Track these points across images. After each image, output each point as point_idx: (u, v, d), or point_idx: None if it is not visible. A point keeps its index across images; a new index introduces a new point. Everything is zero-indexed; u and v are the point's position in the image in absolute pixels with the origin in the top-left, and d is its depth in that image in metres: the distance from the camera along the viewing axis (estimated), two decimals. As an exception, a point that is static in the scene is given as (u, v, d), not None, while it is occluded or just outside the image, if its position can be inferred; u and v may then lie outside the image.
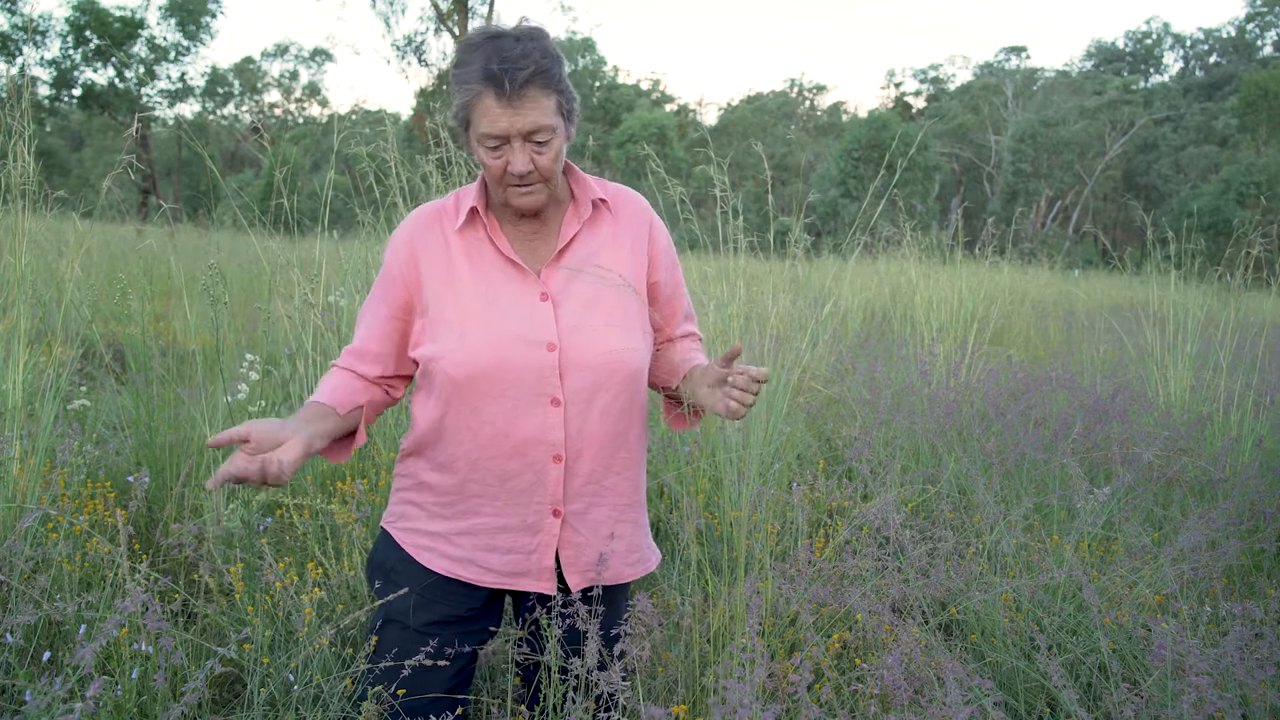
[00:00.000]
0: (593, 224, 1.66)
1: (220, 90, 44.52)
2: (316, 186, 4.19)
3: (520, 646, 1.75)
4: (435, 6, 30.04)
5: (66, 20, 32.67)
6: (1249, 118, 35.48)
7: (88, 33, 32.88)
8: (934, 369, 4.57)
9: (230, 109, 47.59)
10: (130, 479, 2.75)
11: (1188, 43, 52.32)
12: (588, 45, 43.08)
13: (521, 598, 1.72)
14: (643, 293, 1.67)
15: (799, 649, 2.18)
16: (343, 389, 1.64)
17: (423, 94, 29.66)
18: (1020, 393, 4.34)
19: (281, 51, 49.54)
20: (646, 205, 1.73)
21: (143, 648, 1.89)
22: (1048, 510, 3.11)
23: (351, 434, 1.66)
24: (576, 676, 1.65)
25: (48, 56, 33.14)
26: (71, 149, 43.10)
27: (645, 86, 50.15)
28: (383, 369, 1.67)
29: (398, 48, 31.66)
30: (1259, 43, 48.22)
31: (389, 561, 1.71)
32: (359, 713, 1.69)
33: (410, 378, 1.73)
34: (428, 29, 31.46)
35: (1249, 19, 48.07)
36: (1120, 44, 53.67)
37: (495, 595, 1.70)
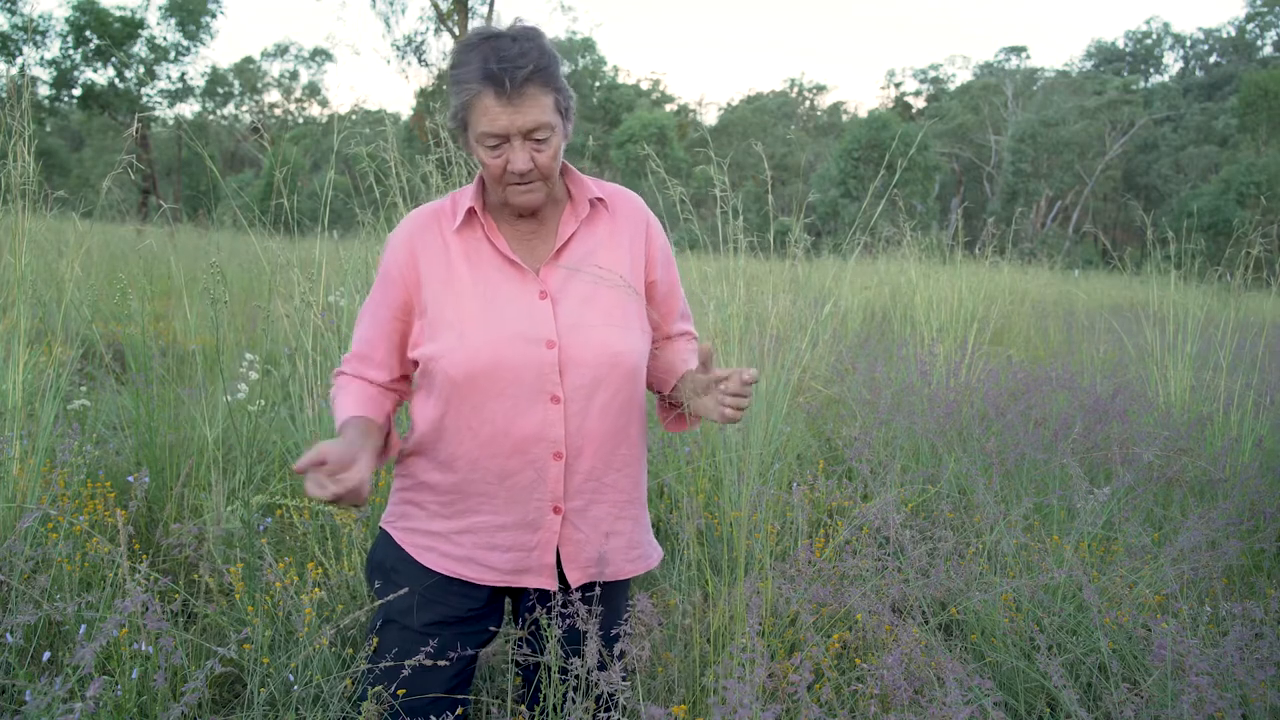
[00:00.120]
0: (590, 223, 1.67)
1: (220, 90, 44.53)
2: (316, 186, 4.19)
3: (520, 646, 1.75)
4: (435, 6, 30.05)
5: (66, 20, 32.68)
6: (1249, 118, 35.48)
7: (88, 33, 32.88)
8: (934, 369, 4.57)
9: (230, 109, 47.62)
10: (130, 479, 2.75)
11: (1188, 43, 52.34)
12: (588, 45, 43.07)
13: (521, 597, 1.72)
14: (641, 291, 1.68)
15: (799, 649, 2.18)
16: (370, 401, 1.65)
17: (423, 94, 29.66)
18: (1020, 393, 4.34)
19: (281, 51, 49.56)
20: (643, 205, 1.74)
21: (143, 648, 1.89)
22: (1048, 510, 3.11)
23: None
24: (576, 676, 1.65)
25: (48, 56, 33.16)
26: (71, 149, 43.10)
27: (645, 86, 50.16)
28: (389, 373, 1.68)
29: (398, 48, 31.67)
30: (1259, 43, 48.22)
31: (389, 561, 1.71)
32: (359, 713, 1.69)
33: (410, 377, 1.74)
34: (428, 29, 31.48)
35: (1249, 19, 48.08)
36: (1120, 44, 53.68)
37: (495, 595, 1.70)
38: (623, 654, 1.68)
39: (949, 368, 4.63)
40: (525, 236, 1.65)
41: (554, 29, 32.87)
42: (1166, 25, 54.78)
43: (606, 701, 1.63)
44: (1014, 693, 2.25)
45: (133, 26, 33.98)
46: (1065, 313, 9.06)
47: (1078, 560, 2.41)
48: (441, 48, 31.40)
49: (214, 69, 42.18)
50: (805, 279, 4.79)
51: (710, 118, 56.23)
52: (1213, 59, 51.08)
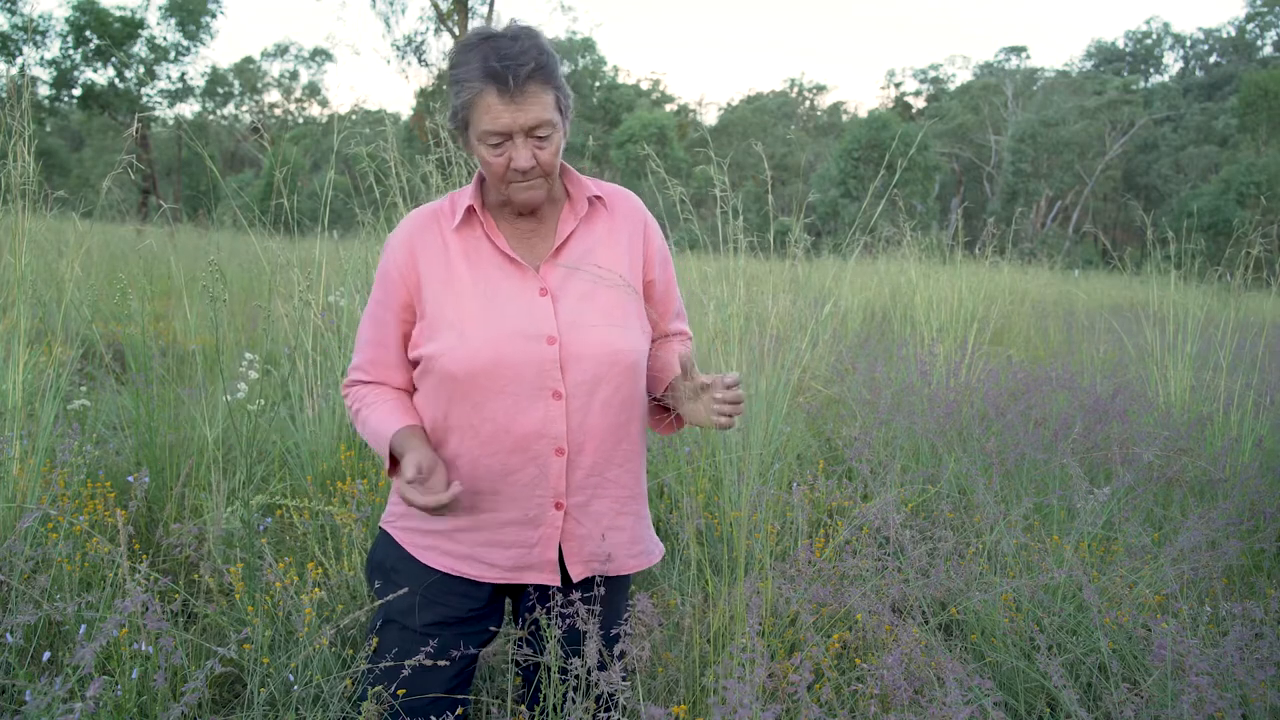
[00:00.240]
0: (589, 221, 1.68)
1: (220, 90, 44.51)
2: (316, 186, 4.20)
3: (520, 646, 1.75)
4: (435, 6, 30.04)
5: (66, 20, 32.67)
6: (1249, 118, 35.47)
7: (88, 33, 32.87)
8: (934, 369, 4.57)
9: (230, 109, 47.60)
10: (130, 479, 2.75)
11: (1188, 43, 52.32)
12: (588, 45, 43.07)
13: (521, 597, 1.72)
14: (639, 290, 1.68)
15: (799, 649, 2.18)
16: (409, 410, 1.66)
17: (423, 94, 29.66)
18: (1020, 393, 4.34)
19: (281, 51, 49.54)
20: (641, 204, 1.76)
21: (143, 648, 1.89)
22: (1048, 510, 3.11)
23: None
24: (576, 676, 1.65)
25: (48, 56, 33.14)
26: (71, 149, 43.09)
27: (645, 86, 50.15)
28: (405, 375, 1.69)
29: (398, 48, 31.66)
30: (1259, 43, 48.21)
31: (389, 561, 1.71)
32: (359, 713, 1.69)
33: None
34: (428, 29, 31.47)
35: (1249, 19, 48.06)
36: (1120, 44, 53.65)
37: (496, 595, 1.70)
38: (623, 654, 1.68)
39: (949, 368, 4.63)
40: (525, 235, 1.65)
41: (554, 29, 32.90)
42: (1166, 25, 54.81)
43: (606, 701, 1.63)
44: (1014, 693, 2.25)
45: (133, 26, 33.97)
46: (1065, 313, 9.06)
47: (1078, 560, 2.41)
48: (441, 48, 31.41)
49: (214, 69, 42.19)
50: (805, 279, 4.79)
51: (710, 118, 56.26)
52: (1213, 59, 51.07)
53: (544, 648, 1.71)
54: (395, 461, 1.65)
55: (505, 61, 1.47)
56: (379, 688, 1.64)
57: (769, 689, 2.01)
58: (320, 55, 49.43)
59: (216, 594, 2.43)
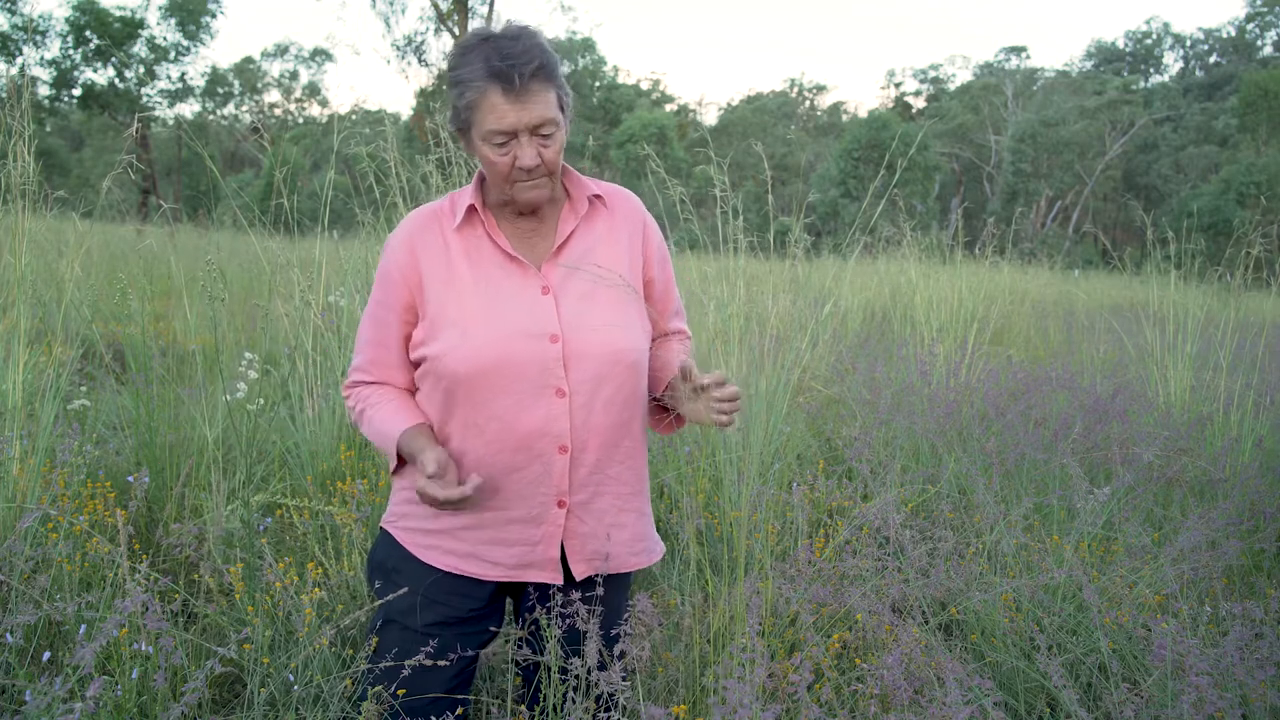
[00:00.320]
0: (589, 220, 1.69)
1: (220, 90, 44.49)
2: (316, 186, 4.20)
3: (520, 646, 1.75)
4: (435, 6, 30.05)
5: (66, 20, 32.66)
6: (1249, 118, 35.46)
7: (88, 33, 32.86)
8: (934, 369, 4.57)
9: (230, 109, 47.58)
10: (130, 479, 2.75)
11: (1188, 43, 52.31)
12: (588, 45, 43.06)
13: (522, 596, 1.73)
14: (640, 289, 1.69)
15: (799, 649, 2.18)
16: (413, 408, 1.66)
17: (423, 94, 29.66)
18: (1020, 393, 4.34)
19: (281, 51, 49.52)
20: (640, 204, 1.77)
21: (143, 648, 1.89)
22: (1048, 510, 3.11)
23: None
24: (576, 676, 1.65)
25: (48, 56, 33.13)
26: (71, 149, 43.08)
27: (645, 86, 50.14)
28: (406, 374, 1.69)
29: (398, 48, 31.66)
30: (1259, 43, 48.19)
31: (390, 561, 1.71)
32: (359, 713, 1.69)
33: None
34: (428, 29, 31.47)
35: (1249, 19, 48.04)
36: (1120, 44, 53.63)
37: (497, 595, 1.70)
38: (623, 654, 1.68)
39: (949, 368, 4.63)
40: (525, 234, 1.66)
41: (554, 29, 32.90)
42: (1166, 25, 54.80)
43: (606, 701, 1.63)
44: (1014, 693, 2.25)
45: (133, 26, 33.97)
46: (1065, 313, 9.06)
47: (1078, 560, 2.41)
48: (441, 48, 31.41)
49: (214, 69, 42.17)
50: (805, 279, 4.79)
51: (710, 118, 56.24)
52: (1213, 59, 51.05)
53: (544, 648, 1.71)
54: (402, 460, 1.65)
55: (509, 60, 1.47)
56: (379, 688, 1.64)
57: (769, 689, 2.01)
58: (320, 55, 49.44)
59: (216, 594, 2.43)
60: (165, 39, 35.95)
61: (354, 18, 70.06)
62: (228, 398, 3.20)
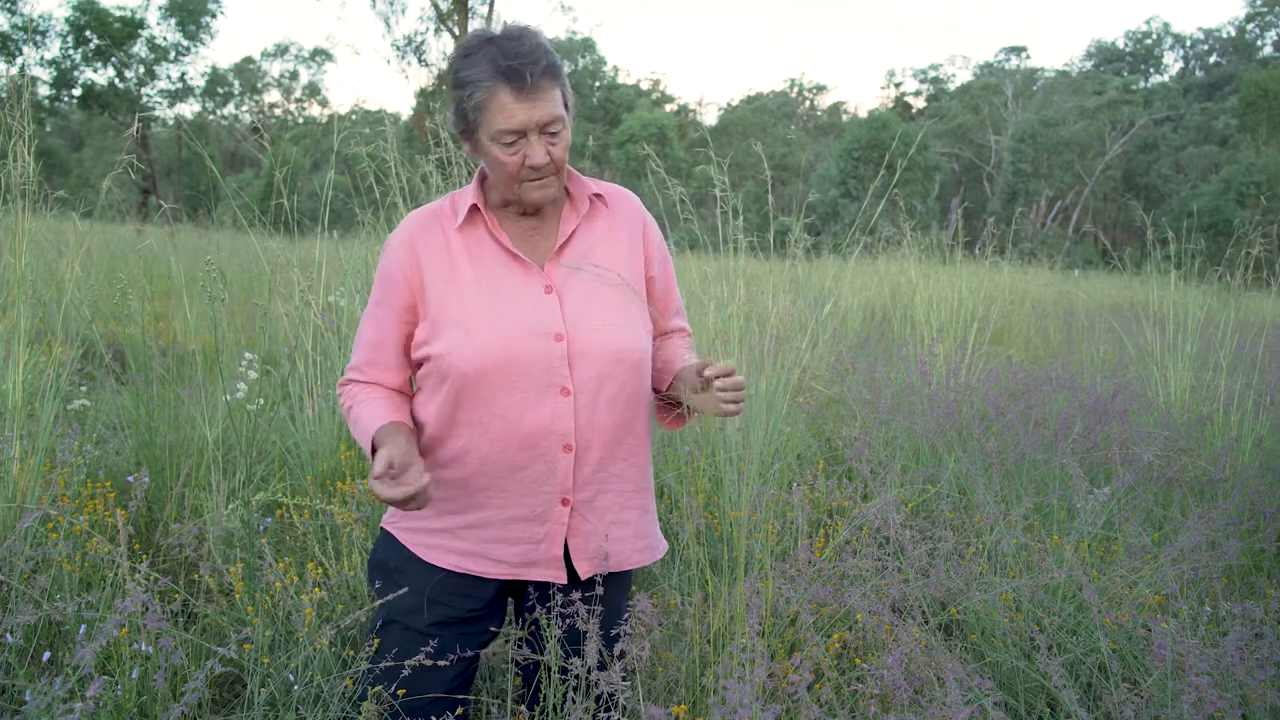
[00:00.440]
0: (590, 219, 1.69)
1: (220, 90, 44.48)
2: (316, 186, 4.20)
3: (520, 646, 1.75)
4: (435, 6, 30.05)
5: (66, 20, 32.65)
6: (1249, 118, 35.46)
7: (88, 33, 32.85)
8: (934, 369, 4.57)
9: (230, 109, 47.57)
10: (130, 479, 2.75)
11: (1188, 43, 52.30)
12: (588, 45, 43.04)
13: (522, 596, 1.73)
14: (641, 288, 1.69)
15: (799, 649, 2.18)
16: (398, 407, 1.66)
17: (423, 94, 29.67)
18: (1020, 393, 4.34)
19: (281, 51, 49.51)
20: (640, 203, 1.77)
21: (143, 648, 1.89)
22: (1048, 510, 3.11)
23: None
24: (576, 676, 1.65)
25: (48, 56, 33.12)
26: (71, 149, 43.07)
27: (645, 86, 50.12)
28: (401, 376, 1.69)
29: (398, 48, 31.66)
30: (1259, 43, 48.18)
31: (391, 561, 1.71)
32: (359, 713, 1.69)
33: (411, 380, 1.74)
34: (428, 29, 31.47)
35: (1249, 19, 48.03)
36: (1120, 44, 53.62)
37: (498, 595, 1.70)
38: (623, 654, 1.68)
39: (949, 368, 4.63)
40: (527, 233, 1.66)
41: (554, 29, 32.90)
42: (1166, 25, 54.78)
43: (606, 701, 1.63)
44: (1014, 693, 2.25)
45: (133, 26, 33.96)
46: (1065, 313, 9.06)
47: (1078, 560, 2.41)
48: (441, 48, 31.42)
49: (214, 69, 42.15)
50: (805, 279, 4.79)
51: (710, 118, 56.23)
52: (1213, 59, 51.04)
53: (544, 647, 1.71)
54: None
55: (517, 60, 1.48)
56: (379, 688, 1.64)
57: (769, 689, 2.01)
58: (320, 55, 49.43)
59: (216, 594, 2.43)
60: (165, 39, 35.95)
61: (354, 18, 70.12)
62: (228, 398, 3.20)
